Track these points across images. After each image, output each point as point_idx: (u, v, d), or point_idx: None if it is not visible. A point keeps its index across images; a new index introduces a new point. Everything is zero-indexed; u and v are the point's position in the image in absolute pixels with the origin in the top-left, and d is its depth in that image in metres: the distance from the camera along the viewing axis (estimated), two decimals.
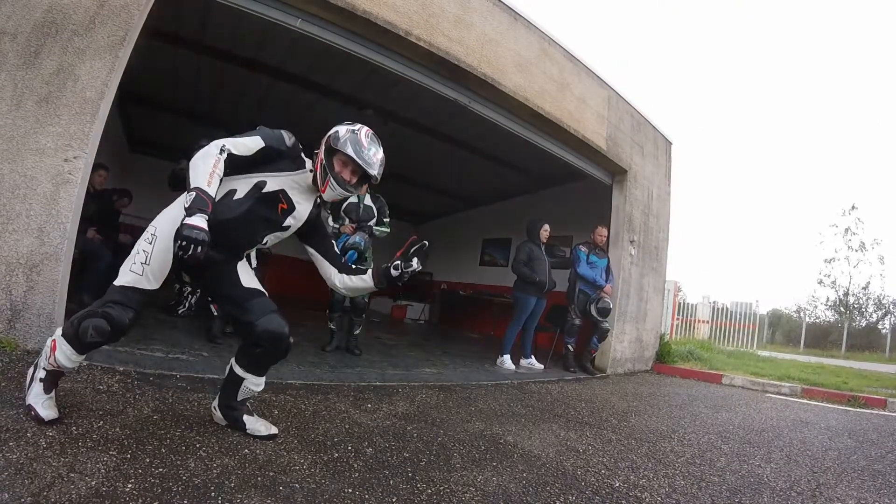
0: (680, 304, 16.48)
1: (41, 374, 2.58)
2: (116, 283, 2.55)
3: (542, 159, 8.55)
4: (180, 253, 2.30)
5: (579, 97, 7.61)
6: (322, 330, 6.91)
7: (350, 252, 5.89)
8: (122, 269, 2.56)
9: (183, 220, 2.33)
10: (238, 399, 3.01)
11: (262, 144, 2.74)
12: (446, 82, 6.20)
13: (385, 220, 6.40)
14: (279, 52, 6.81)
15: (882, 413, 7.06)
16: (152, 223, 2.63)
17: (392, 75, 5.95)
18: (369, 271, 3.13)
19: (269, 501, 2.18)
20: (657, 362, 9.58)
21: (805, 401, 7.67)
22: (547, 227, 7.56)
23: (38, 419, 2.49)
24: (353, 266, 3.34)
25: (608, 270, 7.91)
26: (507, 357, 7.28)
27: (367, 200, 6.32)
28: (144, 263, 2.53)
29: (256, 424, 3.01)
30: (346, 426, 3.42)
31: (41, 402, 2.54)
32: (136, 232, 2.92)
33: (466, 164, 10.51)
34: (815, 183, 75.83)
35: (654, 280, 9.41)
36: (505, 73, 6.39)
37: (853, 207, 34.08)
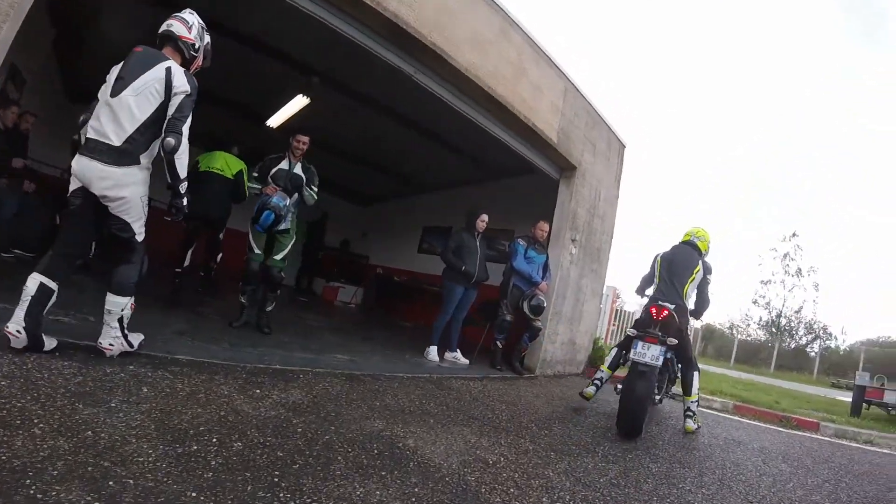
0: (617, 310, 16.45)
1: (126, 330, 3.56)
2: (141, 239, 3.57)
3: (490, 147, 8.20)
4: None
5: (535, 85, 7.22)
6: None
7: (266, 213, 5.44)
8: (140, 231, 3.53)
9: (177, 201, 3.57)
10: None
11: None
12: (392, 48, 5.71)
13: (313, 188, 5.93)
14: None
15: (815, 437, 6.97)
16: (139, 195, 3.44)
17: (341, 38, 5.42)
18: None
19: (88, 498, 1.81)
20: (589, 366, 9.30)
21: (737, 418, 7.57)
22: (485, 217, 7.16)
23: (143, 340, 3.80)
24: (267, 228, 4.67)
25: (546, 267, 7.56)
26: (433, 349, 6.89)
27: (298, 169, 5.86)
28: None
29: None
30: (222, 413, 2.98)
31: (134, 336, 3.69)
32: (44, 179, 3.64)
33: (415, 146, 10.09)
34: (762, 205, 77.63)
35: (592, 282, 9.11)
36: (458, 48, 5.93)
37: (794, 234, 35.57)
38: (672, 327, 5.08)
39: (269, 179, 5.73)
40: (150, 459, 2.21)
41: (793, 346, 34.51)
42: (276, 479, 2.30)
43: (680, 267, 5.50)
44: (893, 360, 24.81)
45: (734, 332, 36.35)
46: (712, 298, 5.81)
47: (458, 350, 7.13)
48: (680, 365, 5.68)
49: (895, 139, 72.76)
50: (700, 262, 5.55)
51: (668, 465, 4.06)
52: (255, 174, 5.86)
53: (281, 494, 2.18)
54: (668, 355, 5.26)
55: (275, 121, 9.88)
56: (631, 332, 5.29)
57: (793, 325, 35.62)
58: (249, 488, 2.17)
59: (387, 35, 5.55)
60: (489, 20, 6.43)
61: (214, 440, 2.58)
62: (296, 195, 5.77)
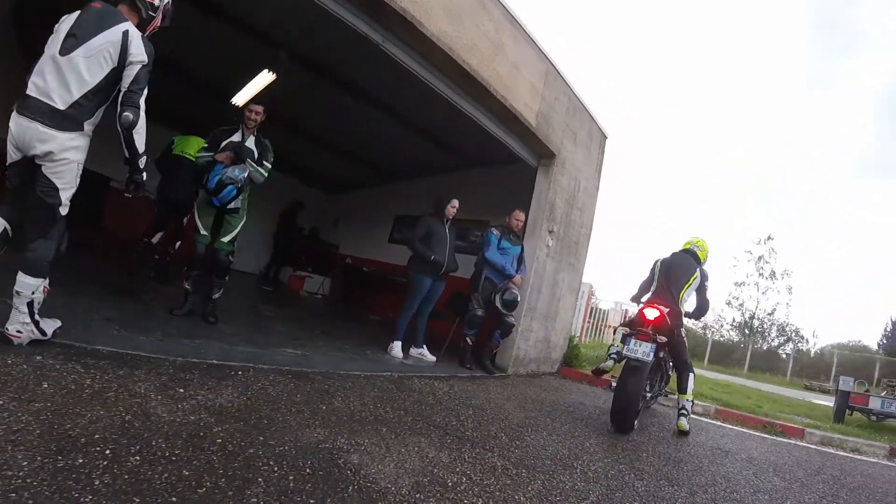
0: (593, 308, 16.15)
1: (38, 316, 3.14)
2: (65, 213, 3.21)
3: (466, 132, 7.76)
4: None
5: (513, 63, 6.72)
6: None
7: (228, 187, 4.93)
8: (66, 202, 3.18)
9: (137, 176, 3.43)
10: None
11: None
12: (359, 13, 5.17)
13: (265, 163, 5.39)
14: None
15: (801, 444, 6.71)
16: (77, 161, 3.17)
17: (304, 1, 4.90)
18: None
19: None
20: (564, 365, 8.92)
21: (719, 423, 7.24)
22: (456, 202, 6.66)
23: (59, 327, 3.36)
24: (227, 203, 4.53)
25: (520, 259, 7.08)
26: (397, 344, 6.38)
27: (250, 142, 5.33)
28: None
29: None
30: (128, 418, 2.47)
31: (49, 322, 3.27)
32: None
33: (388, 131, 9.58)
34: (739, 207, 78.15)
35: (569, 277, 8.67)
36: (431, 16, 5.40)
37: (769, 237, 35.86)
38: (663, 328, 5.29)
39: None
40: (21, 474, 1.77)
41: (765, 348, 34.92)
42: None
43: (677, 272, 5.79)
44: (863, 364, 25.18)
45: (707, 332, 36.51)
46: (710, 302, 6.06)
47: (424, 346, 6.65)
48: (675, 366, 5.95)
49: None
50: (698, 269, 5.83)
51: (656, 482, 3.63)
52: (206, 145, 5.33)
53: None
54: (662, 354, 5.65)
55: (240, 98, 9.20)
56: (623, 330, 5.59)
57: (765, 326, 36.06)
58: None
59: None
60: None
61: (108, 452, 2.09)
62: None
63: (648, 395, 5.90)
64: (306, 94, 8.76)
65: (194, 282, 5.37)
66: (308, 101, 9.12)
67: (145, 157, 3.37)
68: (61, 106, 3.01)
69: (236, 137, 5.29)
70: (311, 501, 2.14)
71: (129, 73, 3.16)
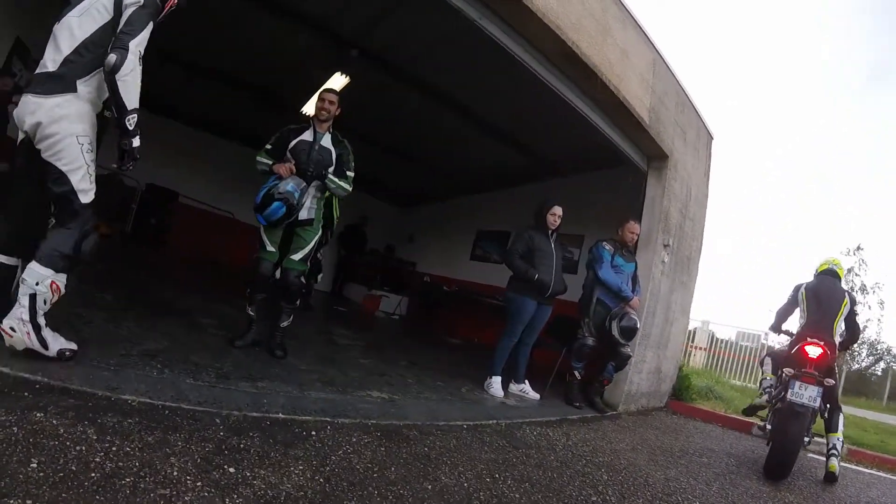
0: (691, 330, 15.07)
1: (43, 320, 2.64)
2: (86, 201, 2.75)
3: (558, 135, 7.20)
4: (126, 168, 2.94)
5: (623, 49, 5.80)
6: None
7: (276, 204, 4.11)
8: (81, 186, 2.69)
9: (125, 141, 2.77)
10: None
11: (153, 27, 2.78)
12: None
13: (348, 172, 4.54)
14: None
15: None
16: (75, 133, 2.64)
17: None
18: None
19: None
20: (672, 398, 7.83)
21: (854, 466, 6.25)
22: (559, 210, 5.66)
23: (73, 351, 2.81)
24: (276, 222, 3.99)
25: (635, 278, 6.05)
26: (496, 380, 5.43)
27: (326, 140, 4.49)
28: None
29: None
30: None
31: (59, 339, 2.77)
32: None
33: (465, 137, 8.85)
34: (827, 217, 74.59)
35: (682, 297, 7.57)
36: None
37: (858, 248, 33.26)
38: (824, 366, 4.81)
39: (288, 155, 4.40)
40: None
41: (854, 369, 32.56)
42: None
43: (828, 301, 5.27)
44: None
45: None
46: (861, 327, 5.55)
47: (525, 381, 5.68)
48: (828, 405, 5.19)
49: None
50: (846, 294, 5.33)
51: None
52: (269, 146, 4.48)
53: None
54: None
55: (310, 108, 8.57)
56: (788, 371, 4.90)
57: (857, 346, 33.63)
58: None
59: None
60: None
61: None
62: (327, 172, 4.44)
63: (806, 440, 5.11)
64: (375, 97, 8.10)
65: (259, 307, 4.51)
66: (376, 105, 8.47)
67: (136, 115, 2.76)
68: (52, 68, 2.65)
69: (308, 136, 4.44)
70: None
71: (124, 17, 2.71)
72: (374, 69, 7.09)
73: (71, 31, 2.68)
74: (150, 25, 2.75)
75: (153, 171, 5.41)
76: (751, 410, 5.62)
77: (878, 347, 33.21)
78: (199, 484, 1.98)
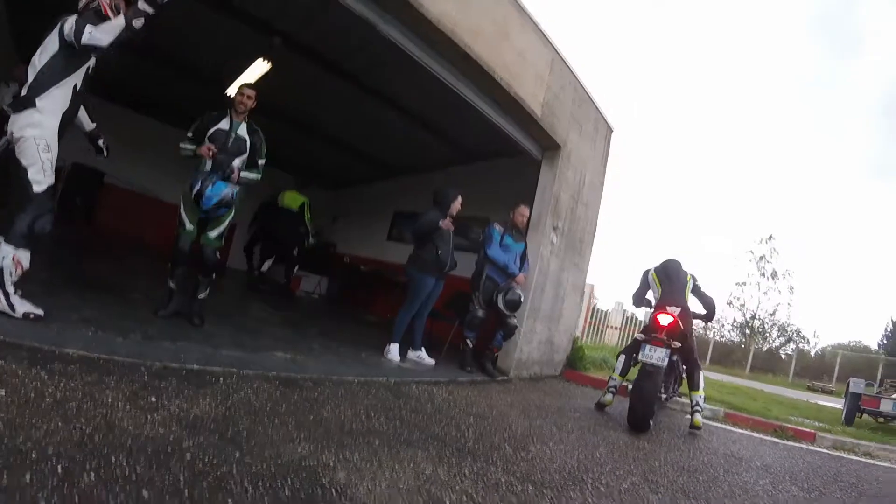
0: (593, 308, 15.98)
1: (11, 288, 3.33)
2: (38, 190, 3.42)
3: (467, 124, 7.56)
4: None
5: (519, 51, 6.45)
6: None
7: (208, 197, 4.70)
8: (36, 178, 3.40)
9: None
10: None
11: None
12: None
13: (260, 160, 5.07)
14: None
15: (812, 448, 6.48)
16: (33, 136, 3.38)
17: None
18: None
19: None
20: (567, 368, 8.63)
21: (729, 427, 7.04)
22: (461, 199, 6.32)
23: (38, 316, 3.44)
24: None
25: (523, 257, 6.76)
26: (394, 347, 6.04)
27: (242, 129, 4.97)
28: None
29: None
30: (88, 430, 2.17)
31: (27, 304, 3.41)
32: None
33: (385, 123, 9.32)
34: (740, 205, 77.78)
35: (573, 276, 8.37)
36: None
37: (770, 237, 35.61)
38: (676, 332, 5.53)
39: (207, 140, 4.85)
40: None
41: (766, 348, 34.70)
42: None
43: (676, 276, 6.18)
44: (865, 364, 25.05)
45: (709, 332, 36.34)
46: (712, 298, 6.37)
47: (422, 349, 6.32)
48: (686, 366, 6.09)
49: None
50: (689, 273, 6.25)
51: (671, 495, 3.32)
52: (189, 134, 4.92)
53: None
54: (674, 358, 5.75)
55: (234, 89, 8.87)
56: (639, 336, 5.94)
57: (766, 327, 35.82)
58: None
59: None
60: None
61: (60, 469, 1.80)
62: (237, 160, 4.92)
63: (663, 396, 6.15)
64: (302, 83, 8.50)
65: (179, 280, 4.99)
66: (304, 92, 8.87)
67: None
68: (24, 92, 3.46)
69: (224, 125, 4.91)
70: None
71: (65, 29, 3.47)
72: (299, 57, 7.44)
73: (34, 65, 3.47)
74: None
75: (79, 150, 5.53)
76: (599, 406, 6.09)
77: (788, 329, 35.63)
78: (128, 407, 2.55)
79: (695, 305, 6.28)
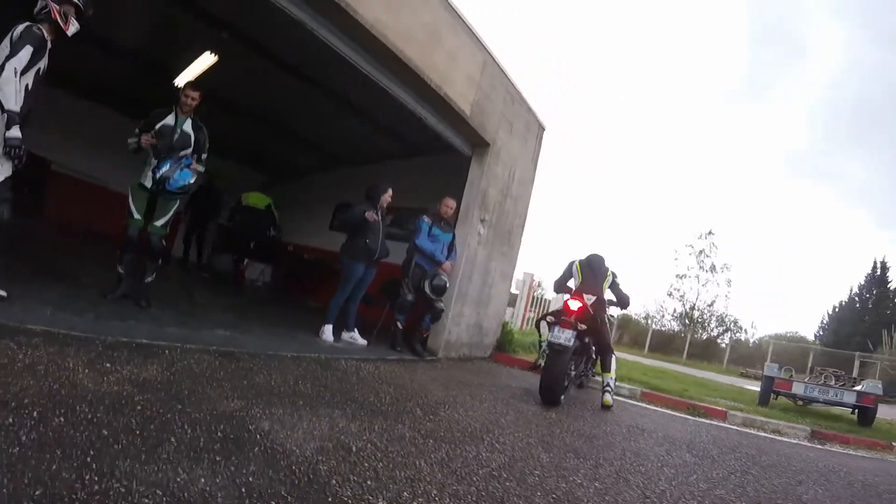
0: (536, 297, 16.56)
1: None
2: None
3: (403, 121, 7.94)
4: (16, 162, 3.88)
5: (451, 53, 6.92)
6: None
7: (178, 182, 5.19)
8: None
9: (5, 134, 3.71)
10: None
11: (33, 49, 3.74)
12: None
13: (202, 155, 5.55)
14: None
15: (722, 424, 7.00)
16: None
17: None
18: None
19: None
20: (497, 351, 9.22)
21: (644, 405, 7.56)
22: (390, 192, 6.86)
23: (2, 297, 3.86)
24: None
25: (451, 247, 7.36)
26: (328, 327, 6.54)
27: (187, 125, 5.42)
28: None
29: None
30: (56, 387, 2.66)
31: None
32: None
33: (327, 115, 9.67)
34: (682, 200, 80.00)
35: (502, 265, 8.99)
36: (366, 2, 5.50)
37: (710, 232, 37.00)
38: (586, 317, 6.10)
39: (153, 137, 5.28)
40: None
41: (705, 338, 36.16)
42: (87, 459, 2.01)
43: (598, 269, 6.83)
44: (798, 353, 26.46)
45: (649, 322, 37.81)
46: (629, 293, 7.10)
47: (355, 330, 6.84)
48: (598, 349, 6.83)
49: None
50: (609, 269, 6.87)
51: (562, 454, 3.81)
52: (137, 130, 5.34)
53: (87, 476, 1.89)
54: (587, 340, 6.42)
55: (182, 80, 9.10)
56: (550, 319, 6.27)
57: (705, 317, 37.36)
58: (54, 467, 1.89)
59: None
60: None
61: (35, 414, 2.27)
62: (184, 153, 5.39)
63: (573, 373, 6.49)
64: (249, 76, 8.80)
65: (127, 266, 5.43)
66: (251, 86, 9.19)
67: (15, 115, 3.73)
68: None
69: (170, 120, 5.33)
70: (218, 458, 2.36)
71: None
72: (243, 50, 7.69)
73: None
74: (29, 48, 3.71)
75: (24, 137, 5.63)
76: (535, 367, 7.06)
77: (726, 320, 37.20)
78: (87, 370, 3.04)
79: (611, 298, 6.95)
